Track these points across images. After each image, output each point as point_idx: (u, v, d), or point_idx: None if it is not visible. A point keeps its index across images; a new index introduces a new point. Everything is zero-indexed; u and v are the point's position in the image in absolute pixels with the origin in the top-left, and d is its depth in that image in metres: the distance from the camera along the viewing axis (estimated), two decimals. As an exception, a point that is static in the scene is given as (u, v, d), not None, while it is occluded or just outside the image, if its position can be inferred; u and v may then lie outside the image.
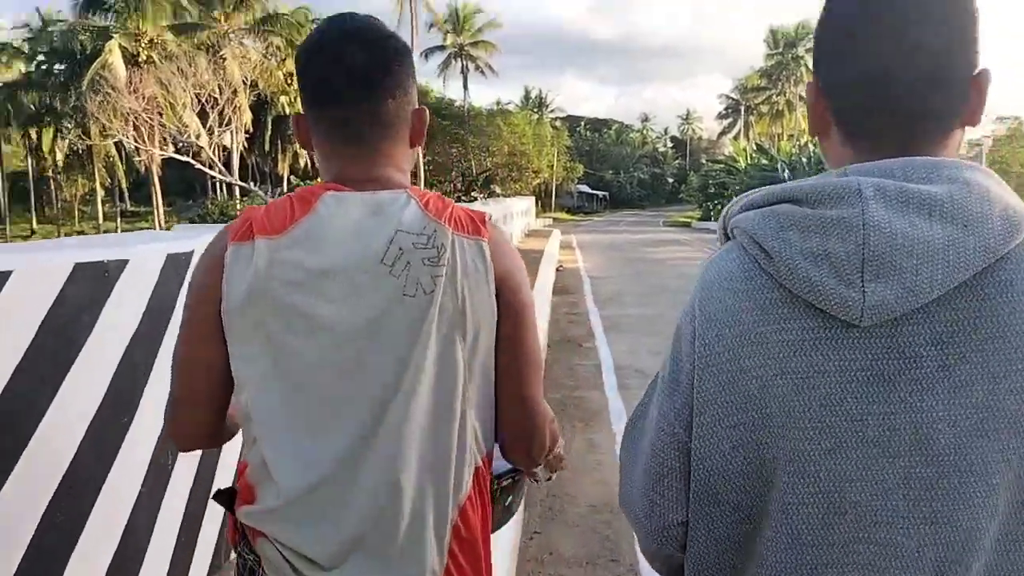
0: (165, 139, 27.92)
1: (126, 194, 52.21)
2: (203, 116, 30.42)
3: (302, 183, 42.63)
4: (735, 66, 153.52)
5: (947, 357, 0.87)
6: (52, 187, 51.21)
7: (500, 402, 1.29)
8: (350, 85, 1.24)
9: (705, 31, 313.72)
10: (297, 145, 47.91)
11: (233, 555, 1.34)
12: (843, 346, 0.89)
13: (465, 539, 1.25)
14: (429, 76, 67.89)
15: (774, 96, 77.80)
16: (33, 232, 50.42)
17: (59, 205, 52.33)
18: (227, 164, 43.59)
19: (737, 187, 49.24)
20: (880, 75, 0.93)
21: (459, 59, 65.78)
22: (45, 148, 43.60)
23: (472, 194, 41.19)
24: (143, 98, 26.86)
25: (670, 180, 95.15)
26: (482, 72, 67.37)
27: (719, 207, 52.69)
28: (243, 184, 29.14)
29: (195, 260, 1.74)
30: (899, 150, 0.94)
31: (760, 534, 0.95)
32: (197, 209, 34.98)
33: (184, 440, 1.32)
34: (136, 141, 27.10)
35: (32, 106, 41.53)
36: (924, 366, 0.87)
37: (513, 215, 19.64)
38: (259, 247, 1.17)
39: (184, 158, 27.97)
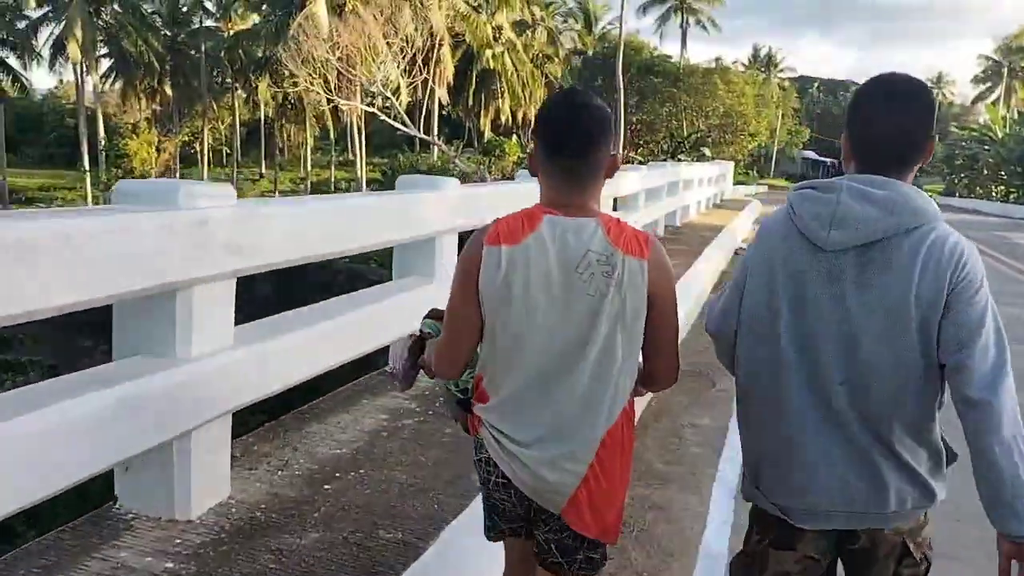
0: (354, 90, 27.51)
1: (339, 145, 53.68)
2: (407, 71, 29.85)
3: (498, 139, 41.77)
4: (1000, 28, 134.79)
5: (863, 273, 1.78)
6: (281, 135, 53.68)
7: (647, 360, 1.94)
8: (577, 143, 1.85)
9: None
10: (500, 101, 47.41)
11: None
12: (820, 259, 1.81)
13: (609, 446, 1.86)
14: (645, 32, 64.49)
15: (1047, 57, 67.22)
16: (261, 176, 53.54)
17: (288, 152, 54.98)
18: (427, 117, 43.52)
19: (991, 159, 42.67)
20: (880, 139, 1.86)
21: (679, 12, 61.95)
22: (261, 97, 45.31)
23: (679, 156, 38.28)
24: (337, 47, 26.44)
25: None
26: (704, 27, 63.12)
27: (966, 180, 46.23)
28: (425, 137, 28.20)
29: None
30: (880, 172, 1.83)
31: (771, 349, 1.86)
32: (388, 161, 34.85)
33: (448, 371, 1.99)
34: (324, 91, 26.77)
35: (250, 56, 43.31)
36: (851, 274, 1.79)
37: (690, 183, 16.11)
38: (503, 252, 1.80)
39: (371, 109, 27.41)
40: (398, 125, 27.27)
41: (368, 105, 29.51)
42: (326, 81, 26.28)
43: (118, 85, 48.49)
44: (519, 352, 1.83)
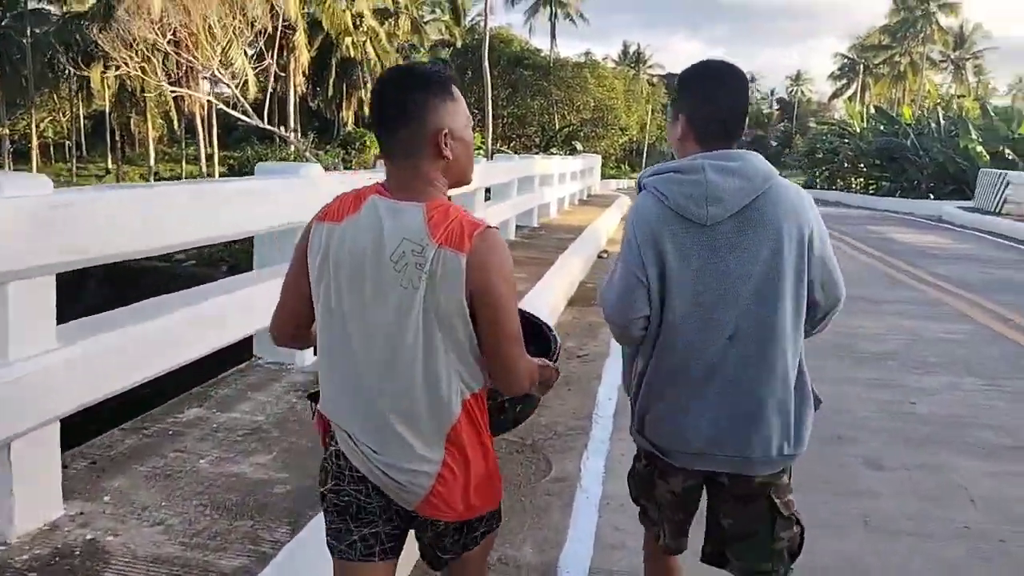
0: (194, 77, 24.75)
1: (183, 138, 49.86)
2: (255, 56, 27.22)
3: (359, 130, 39.26)
4: (854, 28, 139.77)
5: (738, 238, 1.97)
6: (124, 127, 49.45)
7: (489, 364, 1.76)
8: (392, 113, 1.73)
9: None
10: (363, 92, 44.86)
11: None
12: (698, 235, 1.98)
13: (455, 442, 1.73)
14: (516, 26, 63.26)
15: (897, 56, 69.92)
16: (108, 171, 49.05)
17: (140, 146, 50.67)
18: (284, 108, 40.59)
19: (851, 152, 43.31)
20: (719, 116, 2.06)
21: (548, 5, 60.87)
22: (94, 86, 41.24)
23: (551, 150, 36.95)
24: (168, 29, 23.60)
25: (773, 143, 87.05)
26: (573, 21, 62.38)
27: (827, 173, 46.93)
28: (271, 128, 25.55)
29: None
30: (721, 147, 2.04)
31: (666, 318, 2.02)
32: (239, 155, 31.86)
33: (277, 338, 1.94)
34: (152, 77, 23.87)
35: (87, 41, 39.20)
36: (729, 242, 1.97)
37: (549, 179, 14.24)
38: (325, 229, 1.73)
39: (205, 97, 24.70)
40: (238, 115, 24.60)
41: (209, 94, 26.75)
42: (150, 65, 23.38)
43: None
44: (341, 345, 1.73)
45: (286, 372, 4.73)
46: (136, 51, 23.29)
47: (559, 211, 15.70)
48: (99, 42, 24.68)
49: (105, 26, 27.04)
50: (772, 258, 1.96)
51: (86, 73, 39.61)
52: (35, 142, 44.67)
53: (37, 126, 46.37)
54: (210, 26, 23.57)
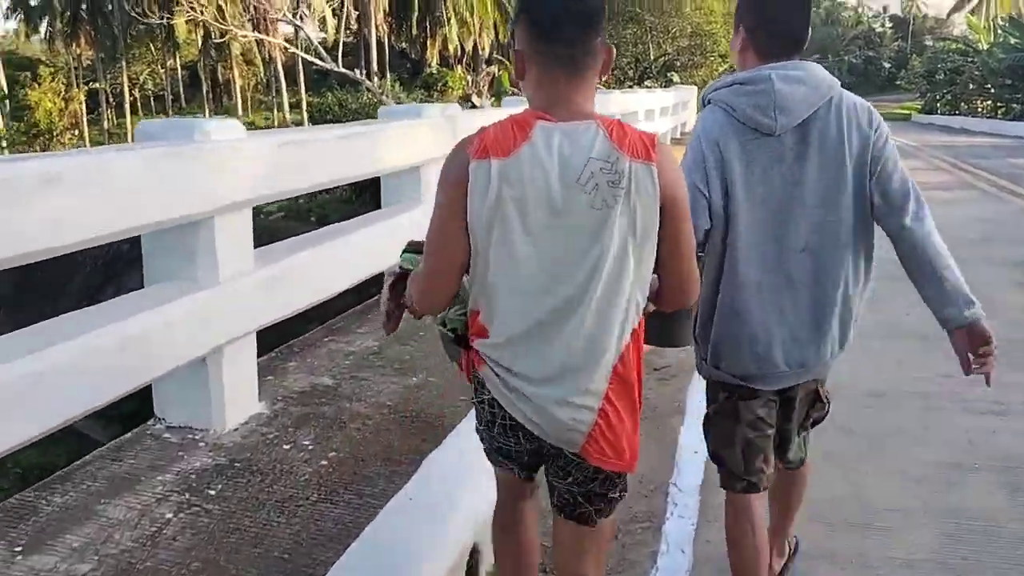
0: (260, 19, 23.86)
1: (290, 87, 49.83)
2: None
3: (441, 70, 37.91)
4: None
5: (803, 147, 2.01)
6: (211, 76, 49.75)
7: (665, 275, 1.73)
8: (576, 26, 1.62)
9: None
10: (447, 29, 43.38)
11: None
12: (765, 144, 2.01)
13: (621, 374, 1.69)
14: (607, -53, 60.17)
15: (1029, -41, 63.39)
16: (204, 123, 49.65)
17: (235, 95, 51.04)
18: (368, 51, 39.56)
19: (977, 72, 39.42)
20: (782, 28, 2.07)
21: (641, -76, 57.56)
22: (179, 33, 41.11)
23: (645, 82, 34.91)
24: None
25: (886, 65, 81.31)
26: (668, -60, 58.86)
27: (948, 96, 43.13)
28: (346, 72, 24.42)
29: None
30: (784, 59, 2.04)
31: (734, 234, 2.03)
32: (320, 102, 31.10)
33: (431, 305, 1.77)
34: (220, 21, 23.07)
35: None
36: (795, 151, 2.01)
37: (634, 116, 12.49)
38: (493, 166, 1.58)
39: (276, 40, 23.81)
40: (311, 58, 23.63)
41: (288, 39, 25.89)
42: (220, 10, 22.59)
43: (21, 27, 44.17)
44: (520, 281, 1.65)
45: (191, 448, 3.26)
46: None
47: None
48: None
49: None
50: (836, 166, 2.01)
51: (172, 21, 39.59)
52: (127, 95, 45.23)
53: (138, 78, 46.90)
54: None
